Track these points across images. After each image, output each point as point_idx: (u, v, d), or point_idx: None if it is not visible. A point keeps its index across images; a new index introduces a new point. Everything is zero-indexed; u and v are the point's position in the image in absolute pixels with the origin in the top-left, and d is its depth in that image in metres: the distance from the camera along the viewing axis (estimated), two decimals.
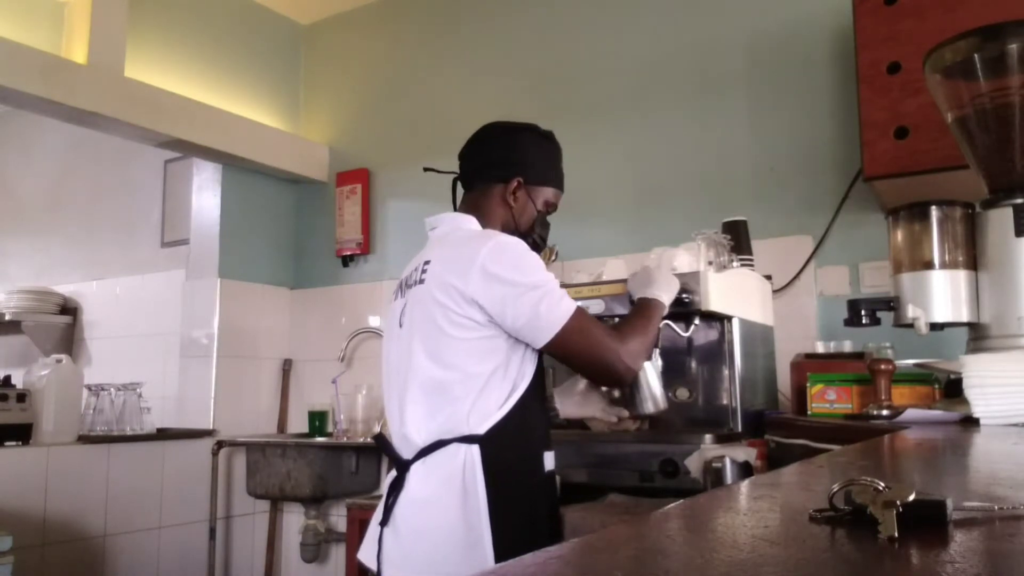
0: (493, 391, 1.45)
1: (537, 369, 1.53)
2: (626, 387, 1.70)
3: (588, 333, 1.48)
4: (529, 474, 1.50)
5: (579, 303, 1.88)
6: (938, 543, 0.46)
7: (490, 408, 1.45)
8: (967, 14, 1.88)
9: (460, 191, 1.73)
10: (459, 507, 1.40)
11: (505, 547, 1.37)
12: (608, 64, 3.04)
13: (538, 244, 1.68)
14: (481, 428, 1.43)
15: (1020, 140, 1.46)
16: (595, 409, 1.74)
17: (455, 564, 1.37)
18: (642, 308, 1.64)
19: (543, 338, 1.45)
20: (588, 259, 2.74)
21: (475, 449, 1.42)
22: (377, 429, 3.22)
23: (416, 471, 1.47)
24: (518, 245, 1.50)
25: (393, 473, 1.54)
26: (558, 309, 1.45)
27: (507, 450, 1.44)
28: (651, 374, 1.71)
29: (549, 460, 1.55)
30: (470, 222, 1.60)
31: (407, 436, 1.49)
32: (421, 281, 1.52)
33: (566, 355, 1.50)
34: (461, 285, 1.44)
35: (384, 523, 1.50)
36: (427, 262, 1.53)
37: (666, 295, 1.66)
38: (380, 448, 1.61)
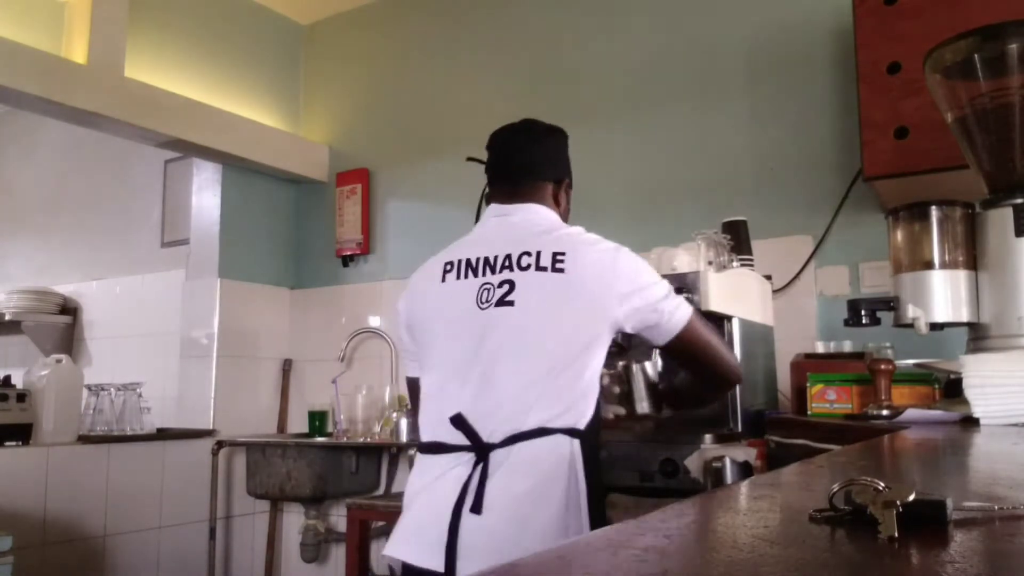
0: (591, 385, 1.46)
1: None
2: (625, 385, 1.70)
3: (709, 332, 1.56)
4: (600, 466, 1.53)
5: None
6: (938, 543, 0.46)
7: (588, 401, 1.45)
8: (967, 14, 1.88)
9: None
10: (563, 500, 1.40)
11: None
12: (608, 64, 3.04)
13: None
14: (582, 422, 1.44)
15: (1020, 140, 1.46)
16: None
17: None
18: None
19: (671, 333, 1.50)
20: None
21: (577, 444, 1.42)
22: (377, 429, 3.22)
23: (514, 457, 1.40)
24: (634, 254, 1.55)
25: (450, 459, 1.46)
26: (682, 308, 1.51)
27: (595, 444, 1.47)
28: (650, 374, 1.71)
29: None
30: (552, 214, 1.61)
31: (499, 419, 1.42)
32: (527, 267, 1.47)
33: (694, 349, 1.54)
34: (599, 289, 1.44)
35: (475, 510, 1.39)
36: (538, 251, 1.48)
37: None
38: (459, 428, 1.46)
